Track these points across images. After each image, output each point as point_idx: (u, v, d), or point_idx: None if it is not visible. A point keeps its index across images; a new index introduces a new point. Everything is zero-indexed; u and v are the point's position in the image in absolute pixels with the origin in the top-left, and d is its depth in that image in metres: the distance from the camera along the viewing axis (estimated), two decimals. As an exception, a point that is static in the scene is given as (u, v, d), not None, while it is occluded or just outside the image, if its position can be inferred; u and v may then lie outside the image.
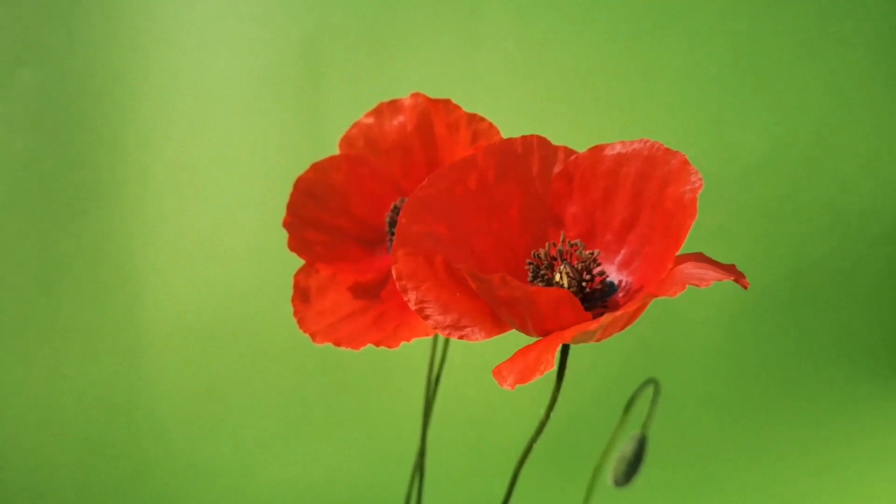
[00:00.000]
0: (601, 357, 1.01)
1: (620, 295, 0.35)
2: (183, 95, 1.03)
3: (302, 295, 0.44)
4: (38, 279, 1.01)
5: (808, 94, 1.06)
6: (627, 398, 0.53)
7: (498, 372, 0.31)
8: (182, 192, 1.03)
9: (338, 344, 0.40)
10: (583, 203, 0.36)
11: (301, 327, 0.42)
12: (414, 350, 0.42)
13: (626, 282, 0.35)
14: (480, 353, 0.63)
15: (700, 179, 0.32)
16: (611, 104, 1.06)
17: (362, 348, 0.39)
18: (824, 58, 1.06)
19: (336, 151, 0.48)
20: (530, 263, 0.35)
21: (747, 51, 1.06)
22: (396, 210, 0.46)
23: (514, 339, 0.35)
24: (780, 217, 1.07)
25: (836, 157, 1.07)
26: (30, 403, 1.00)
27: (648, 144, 0.34)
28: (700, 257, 0.33)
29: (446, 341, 0.48)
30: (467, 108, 0.44)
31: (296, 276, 0.44)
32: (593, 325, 0.29)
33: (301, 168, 0.46)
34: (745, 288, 0.31)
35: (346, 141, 0.47)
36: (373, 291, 0.44)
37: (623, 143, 0.35)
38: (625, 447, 0.56)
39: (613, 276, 0.36)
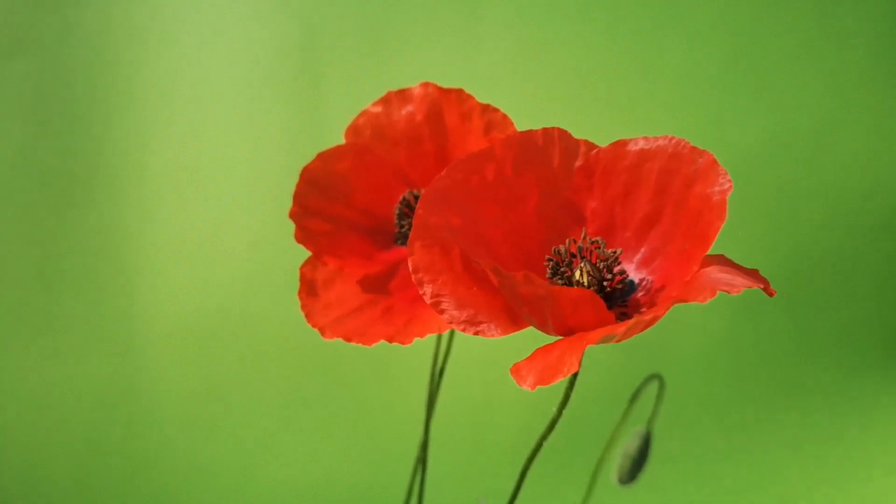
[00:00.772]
0: (601, 354, 1.01)
1: (640, 294, 0.34)
2: (181, 91, 1.02)
3: (308, 287, 0.42)
4: (36, 277, 1.00)
5: (807, 94, 1.06)
6: (628, 395, 0.53)
7: (517, 370, 0.30)
8: (181, 191, 1.02)
9: (348, 339, 0.39)
10: (602, 198, 0.35)
11: (309, 321, 0.40)
12: (414, 349, 0.41)
13: (647, 280, 0.34)
14: (482, 348, 0.62)
15: (729, 181, 0.31)
16: (611, 104, 1.06)
17: (374, 344, 0.38)
18: (824, 58, 1.06)
19: (336, 150, 0.46)
20: (550, 260, 0.34)
21: (747, 51, 1.06)
22: (405, 202, 0.45)
23: (516, 335, 0.34)
24: (780, 216, 1.07)
25: (835, 156, 1.07)
26: (27, 402, 0.99)
27: (674, 141, 0.33)
28: (724, 260, 0.32)
29: (451, 334, 0.47)
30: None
31: (302, 268, 0.43)
32: (620, 327, 0.28)
33: (299, 166, 0.44)
34: (772, 296, 0.30)
35: (353, 130, 0.46)
36: (380, 284, 0.43)
37: (646, 138, 0.34)
38: (629, 445, 0.55)
39: (633, 274, 0.35)
